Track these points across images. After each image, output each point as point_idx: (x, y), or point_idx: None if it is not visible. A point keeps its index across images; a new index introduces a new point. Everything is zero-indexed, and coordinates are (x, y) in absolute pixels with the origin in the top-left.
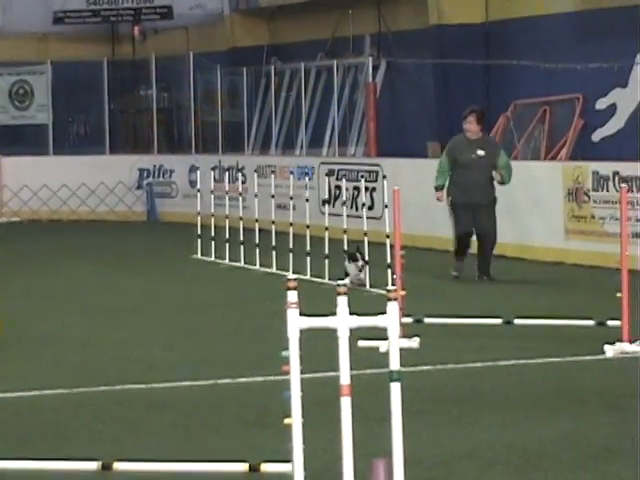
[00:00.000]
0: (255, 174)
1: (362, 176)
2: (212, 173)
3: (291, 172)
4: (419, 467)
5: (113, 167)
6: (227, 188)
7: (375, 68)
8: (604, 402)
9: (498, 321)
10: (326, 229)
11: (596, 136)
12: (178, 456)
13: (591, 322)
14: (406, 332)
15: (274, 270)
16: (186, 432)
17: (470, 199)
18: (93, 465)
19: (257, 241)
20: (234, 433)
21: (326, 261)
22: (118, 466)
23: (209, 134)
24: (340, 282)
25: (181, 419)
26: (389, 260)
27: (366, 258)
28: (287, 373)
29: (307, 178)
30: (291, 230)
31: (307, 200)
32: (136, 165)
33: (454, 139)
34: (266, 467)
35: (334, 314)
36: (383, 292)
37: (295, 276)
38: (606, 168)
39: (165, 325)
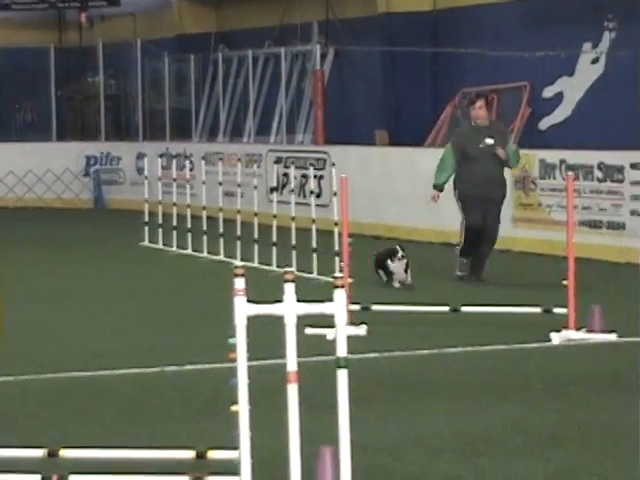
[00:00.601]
0: (203, 161)
1: (311, 164)
2: (159, 160)
3: (239, 159)
4: (365, 454)
5: (60, 154)
6: (175, 175)
7: (323, 56)
8: (550, 389)
9: (445, 309)
10: (274, 217)
11: (543, 124)
12: (125, 443)
13: (537, 309)
14: (353, 319)
15: (222, 258)
16: (133, 419)
17: (482, 192)
18: (39, 452)
19: (205, 228)
20: (181, 420)
21: (274, 249)
22: (64, 453)
23: (157, 121)
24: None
25: (128, 406)
26: (337, 248)
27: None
28: (234, 360)
29: (255, 166)
30: (239, 218)
31: (255, 187)
32: (83, 152)
33: (458, 130)
34: (213, 454)
35: (281, 301)
36: (330, 279)
37: (243, 263)
38: (553, 156)
39: (112, 312)
